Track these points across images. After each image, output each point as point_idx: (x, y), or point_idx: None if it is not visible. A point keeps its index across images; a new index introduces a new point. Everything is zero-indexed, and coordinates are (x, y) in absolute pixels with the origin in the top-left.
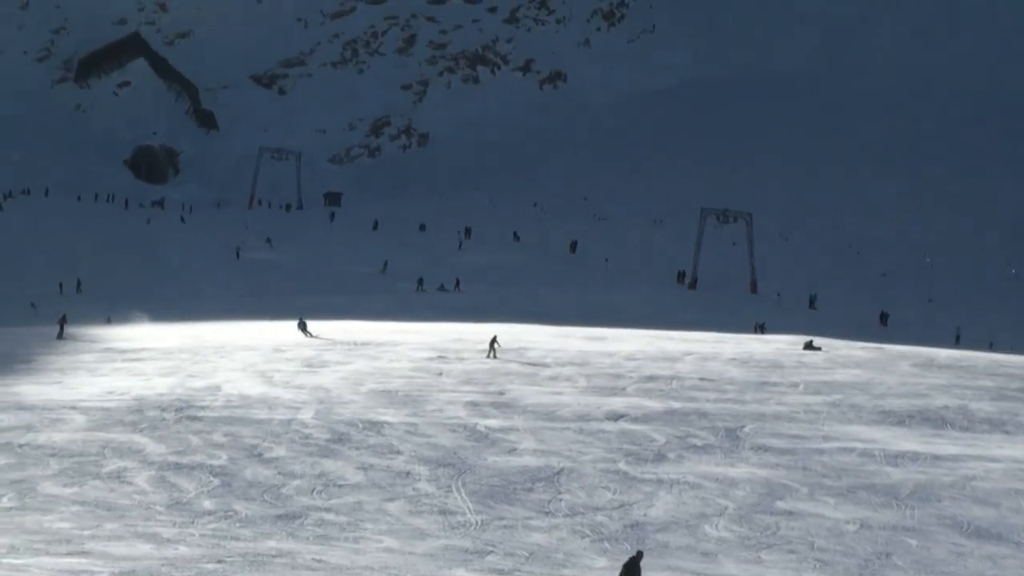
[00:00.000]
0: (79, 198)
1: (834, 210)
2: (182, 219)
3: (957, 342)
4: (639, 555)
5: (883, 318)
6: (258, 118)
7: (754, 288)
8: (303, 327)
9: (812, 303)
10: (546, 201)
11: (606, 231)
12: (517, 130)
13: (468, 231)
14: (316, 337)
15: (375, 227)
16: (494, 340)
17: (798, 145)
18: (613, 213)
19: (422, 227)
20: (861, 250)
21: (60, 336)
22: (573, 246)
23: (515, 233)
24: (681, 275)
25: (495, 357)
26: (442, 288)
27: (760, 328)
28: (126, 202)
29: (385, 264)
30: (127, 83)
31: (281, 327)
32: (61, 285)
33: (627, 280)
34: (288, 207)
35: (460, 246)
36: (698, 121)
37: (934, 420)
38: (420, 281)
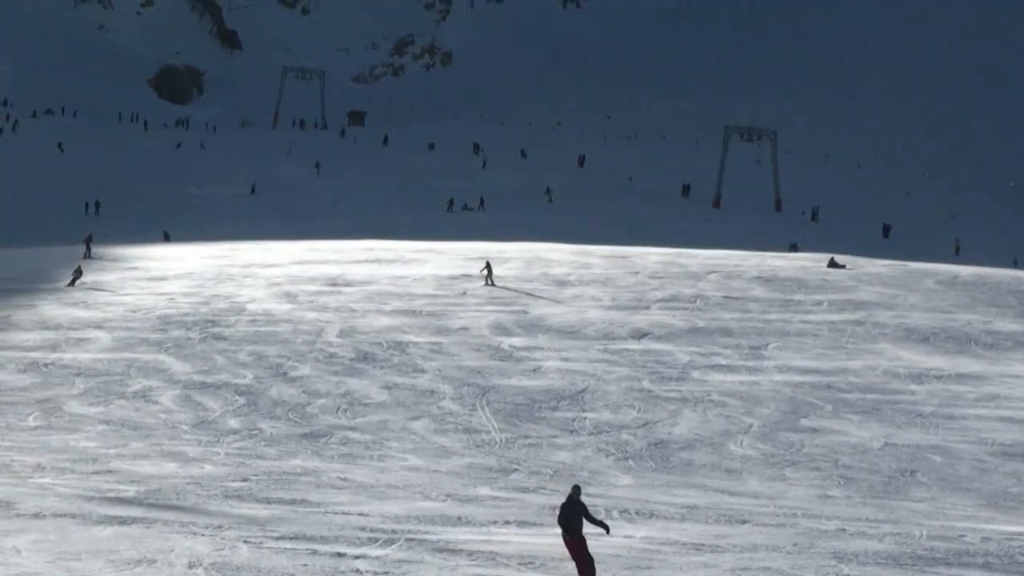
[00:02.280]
0: (75, 114)
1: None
2: (201, 146)
3: (957, 254)
4: (576, 491)
5: (885, 231)
6: (281, 37)
7: (778, 206)
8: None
9: (815, 216)
10: (569, 120)
11: (630, 149)
12: (540, 49)
13: (477, 147)
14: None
15: (385, 141)
16: (488, 267)
17: (820, 63)
18: (639, 132)
19: (431, 146)
20: (879, 169)
21: (87, 255)
22: (581, 160)
23: (522, 151)
24: (686, 188)
25: (492, 284)
26: (466, 207)
27: (794, 248)
28: (145, 123)
29: (451, 202)
30: (150, 2)
31: (304, 248)
32: (87, 205)
33: (650, 198)
34: (302, 124)
35: (484, 165)
36: (723, 39)
37: (958, 337)
38: (451, 201)
